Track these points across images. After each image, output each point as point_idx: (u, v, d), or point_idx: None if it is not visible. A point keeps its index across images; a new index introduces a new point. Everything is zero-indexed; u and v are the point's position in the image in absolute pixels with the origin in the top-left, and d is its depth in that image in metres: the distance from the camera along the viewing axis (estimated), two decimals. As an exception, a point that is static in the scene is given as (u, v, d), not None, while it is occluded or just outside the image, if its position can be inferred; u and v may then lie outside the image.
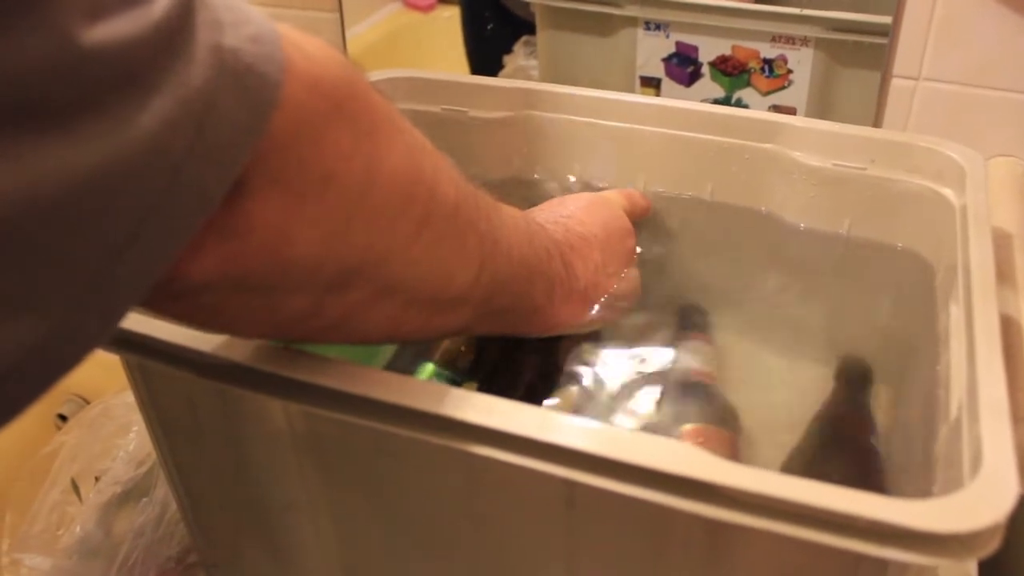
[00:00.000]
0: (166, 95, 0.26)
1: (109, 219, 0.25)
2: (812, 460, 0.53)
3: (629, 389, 0.59)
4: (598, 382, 0.58)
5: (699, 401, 0.57)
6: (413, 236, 0.38)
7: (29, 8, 0.22)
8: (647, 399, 0.59)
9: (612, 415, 0.56)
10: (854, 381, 0.58)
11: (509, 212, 0.46)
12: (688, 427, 0.54)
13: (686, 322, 0.64)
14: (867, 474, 0.52)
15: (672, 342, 0.62)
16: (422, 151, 0.38)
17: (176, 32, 0.26)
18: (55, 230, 0.24)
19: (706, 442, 0.53)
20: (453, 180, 0.40)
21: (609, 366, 0.59)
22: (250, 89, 0.28)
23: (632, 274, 0.57)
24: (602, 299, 0.53)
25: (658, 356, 0.62)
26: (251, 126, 0.29)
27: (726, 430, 0.55)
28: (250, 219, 0.31)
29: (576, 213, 0.56)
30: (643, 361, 0.63)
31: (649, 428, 0.55)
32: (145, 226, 0.26)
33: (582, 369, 0.58)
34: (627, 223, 0.58)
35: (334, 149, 0.33)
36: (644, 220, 0.66)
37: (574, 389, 0.56)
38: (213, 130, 0.27)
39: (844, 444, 0.55)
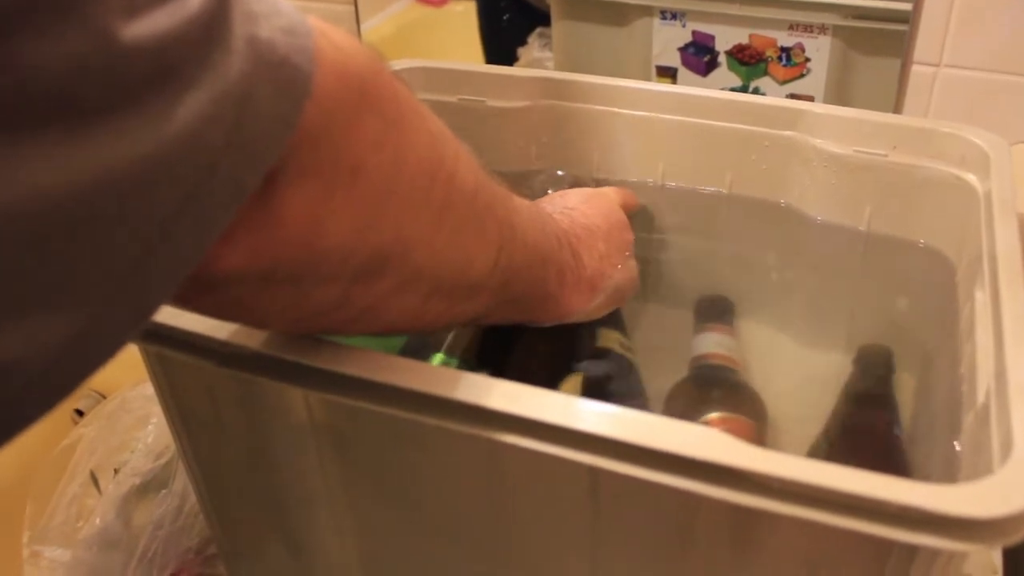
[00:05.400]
0: (204, 89, 0.25)
1: (146, 213, 0.25)
2: (836, 448, 0.53)
3: (647, 378, 0.59)
4: (614, 371, 0.57)
5: (723, 390, 0.57)
6: (436, 222, 0.38)
7: (69, 7, 0.22)
8: (667, 388, 0.58)
9: (630, 403, 0.56)
10: (876, 368, 0.58)
11: (520, 200, 0.47)
12: (713, 416, 0.54)
13: (708, 313, 0.63)
14: (891, 461, 0.51)
15: (693, 332, 0.62)
16: (443, 138, 0.38)
17: (213, 25, 0.26)
18: (93, 225, 0.24)
19: (731, 431, 0.53)
20: (472, 166, 0.40)
21: (628, 355, 0.59)
22: (285, 80, 0.28)
23: (631, 264, 0.58)
24: (606, 288, 0.54)
25: (680, 346, 0.61)
26: (286, 118, 0.29)
27: (751, 419, 0.54)
28: (281, 211, 0.31)
29: (579, 205, 0.57)
30: (663, 351, 0.63)
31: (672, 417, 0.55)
32: (180, 219, 0.26)
33: (594, 357, 0.57)
34: (624, 216, 0.60)
35: (363, 139, 0.33)
36: (664, 210, 0.66)
37: (582, 376, 0.55)
38: (249, 123, 0.27)
39: (867, 432, 0.54)
